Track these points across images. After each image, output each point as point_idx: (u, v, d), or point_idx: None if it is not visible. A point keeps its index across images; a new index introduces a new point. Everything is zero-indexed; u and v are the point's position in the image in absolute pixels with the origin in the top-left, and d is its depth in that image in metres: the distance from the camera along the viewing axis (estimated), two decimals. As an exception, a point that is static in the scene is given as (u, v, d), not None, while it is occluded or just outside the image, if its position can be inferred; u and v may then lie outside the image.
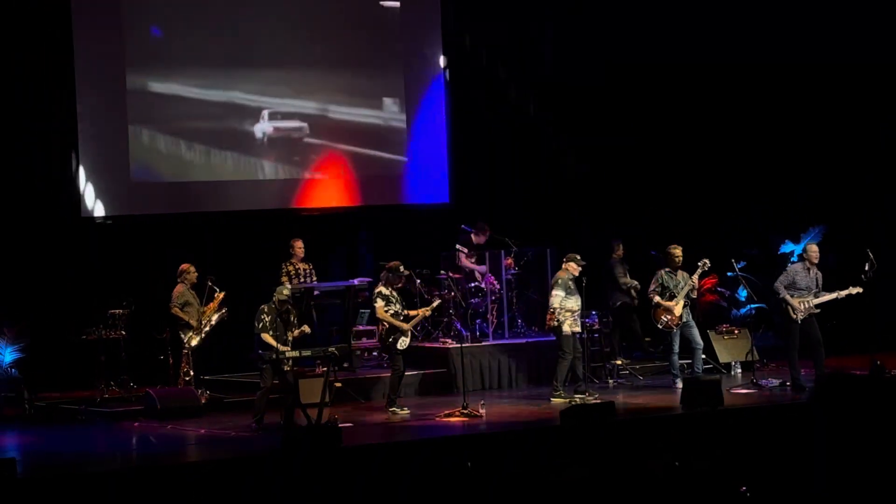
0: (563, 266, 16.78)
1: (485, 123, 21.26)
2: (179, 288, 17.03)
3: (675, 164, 21.56)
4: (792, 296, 16.39)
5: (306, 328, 15.79)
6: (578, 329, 16.67)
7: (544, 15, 21.70)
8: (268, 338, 15.12)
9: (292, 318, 15.37)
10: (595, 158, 21.52)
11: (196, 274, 17.14)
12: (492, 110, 21.42)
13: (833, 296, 16.46)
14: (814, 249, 16.65)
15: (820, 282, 16.53)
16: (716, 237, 20.12)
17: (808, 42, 20.75)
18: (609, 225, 20.54)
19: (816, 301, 16.39)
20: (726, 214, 21.41)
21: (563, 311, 16.48)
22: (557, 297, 16.55)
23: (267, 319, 15.19)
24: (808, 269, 16.52)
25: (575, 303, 16.59)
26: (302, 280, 18.13)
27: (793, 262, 17.57)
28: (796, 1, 20.83)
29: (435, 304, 16.85)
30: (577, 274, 16.68)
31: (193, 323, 16.88)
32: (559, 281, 16.65)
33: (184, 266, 17.19)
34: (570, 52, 21.22)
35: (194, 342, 16.88)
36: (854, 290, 16.50)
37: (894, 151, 21.41)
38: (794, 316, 16.36)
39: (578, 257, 16.73)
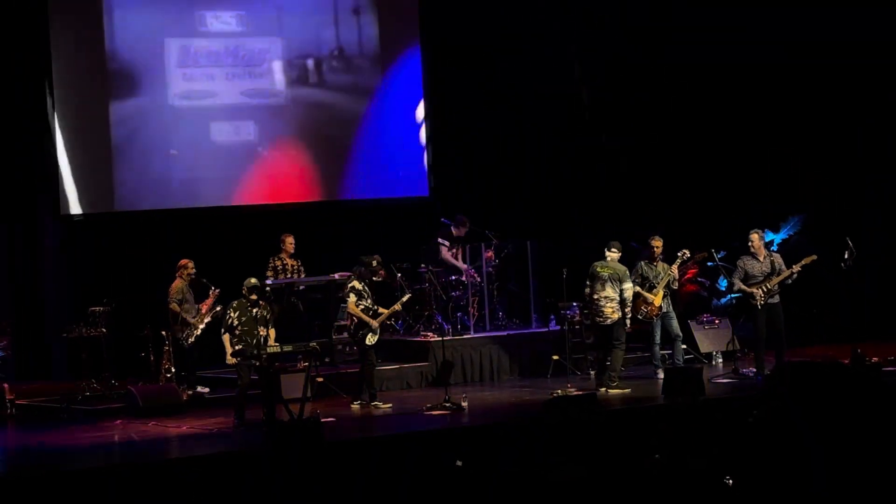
0: (613, 256, 16.61)
1: (476, 119, 21.31)
2: (177, 283, 16.96)
3: (674, 164, 21.59)
4: (749, 285, 16.52)
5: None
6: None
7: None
8: (225, 339, 15.00)
9: (267, 314, 15.22)
10: (594, 158, 21.58)
11: (194, 269, 17.07)
12: (486, 105, 21.44)
13: (787, 273, 16.56)
14: (752, 237, 16.75)
15: (778, 265, 16.62)
16: (717, 236, 20.10)
17: (796, 40, 20.85)
18: (609, 225, 20.55)
19: (774, 282, 16.49)
20: (727, 214, 21.40)
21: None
22: (636, 286, 16.62)
23: (234, 315, 15.00)
24: (755, 256, 16.63)
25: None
26: (289, 276, 18.12)
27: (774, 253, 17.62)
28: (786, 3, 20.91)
29: (405, 298, 16.74)
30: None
31: (191, 320, 16.85)
32: (628, 272, 16.56)
33: (183, 261, 17.11)
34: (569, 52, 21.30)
35: (191, 339, 16.86)
36: (807, 260, 16.61)
37: (876, 142, 21.48)
38: (755, 302, 16.52)
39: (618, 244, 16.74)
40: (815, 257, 16.64)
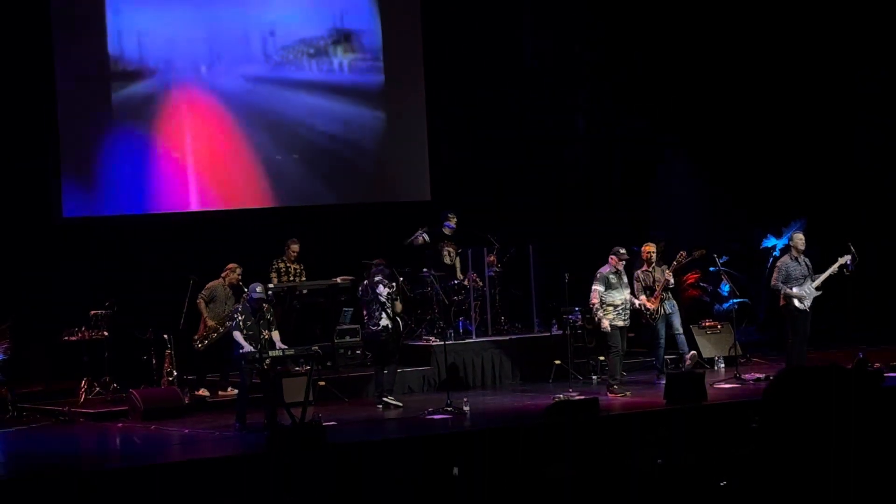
0: (609, 260, 16.68)
1: (478, 123, 21.34)
2: (214, 282, 16.99)
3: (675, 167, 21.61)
4: (791, 288, 16.46)
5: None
6: (622, 323, 16.59)
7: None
8: (238, 336, 15.03)
9: (270, 317, 15.24)
10: (594, 162, 21.62)
11: (239, 276, 16.98)
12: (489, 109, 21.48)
13: (828, 273, 16.55)
14: (800, 238, 16.70)
15: (810, 266, 16.60)
16: (718, 240, 20.10)
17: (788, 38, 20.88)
18: (611, 228, 20.55)
19: (816, 283, 16.46)
20: (728, 217, 21.39)
21: (603, 305, 16.46)
22: (595, 292, 16.50)
23: (240, 318, 15.08)
24: (797, 259, 16.58)
25: (619, 296, 16.55)
26: (291, 279, 18.14)
27: (777, 257, 17.56)
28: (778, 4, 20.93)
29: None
30: (620, 267, 16.62)
31: (210, 323, 16.81)
32: (598, 276, 16.56)
33: (231, 265, 17.11)
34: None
35: (200, 346, 16.83)
36: (844, 259, 16.57)
37: (873, 144, 21.47)
38: (802, 305, 16.44)
39: (622, 251, 16.65)
40: (850, 256, 16.55)
